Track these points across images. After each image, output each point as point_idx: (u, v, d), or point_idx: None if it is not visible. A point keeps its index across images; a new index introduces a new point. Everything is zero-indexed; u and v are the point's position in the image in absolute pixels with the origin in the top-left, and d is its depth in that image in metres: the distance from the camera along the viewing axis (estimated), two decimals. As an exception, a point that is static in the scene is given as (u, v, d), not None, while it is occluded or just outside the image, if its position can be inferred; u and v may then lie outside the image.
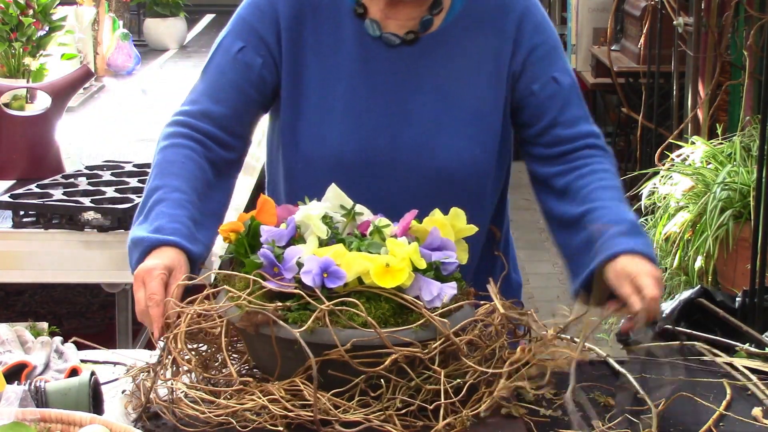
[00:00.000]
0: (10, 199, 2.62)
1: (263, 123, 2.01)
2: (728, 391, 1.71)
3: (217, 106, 1.89)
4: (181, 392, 1.57)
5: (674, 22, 5.05)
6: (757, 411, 1.64)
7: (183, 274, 1.68)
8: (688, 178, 4.41)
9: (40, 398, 1.50)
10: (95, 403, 1.54)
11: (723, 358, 1.85)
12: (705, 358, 1.87)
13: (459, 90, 1.88)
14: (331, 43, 1.89)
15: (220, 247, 2.59)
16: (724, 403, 1.67)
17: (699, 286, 1.98)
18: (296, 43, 1.89)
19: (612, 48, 6.12)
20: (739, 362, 1.83)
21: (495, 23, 1.89)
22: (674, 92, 5.31)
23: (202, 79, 1.93)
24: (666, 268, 4.45)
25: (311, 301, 1.52)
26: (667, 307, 1.94)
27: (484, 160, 1.91)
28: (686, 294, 1.96)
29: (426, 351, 1.53)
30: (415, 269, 1.57)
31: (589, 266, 1.75)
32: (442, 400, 1.51)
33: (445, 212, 1.70)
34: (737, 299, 2.02)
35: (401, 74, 1.88)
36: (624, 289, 1.67)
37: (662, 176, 4.55)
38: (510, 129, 1.96)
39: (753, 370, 1.79)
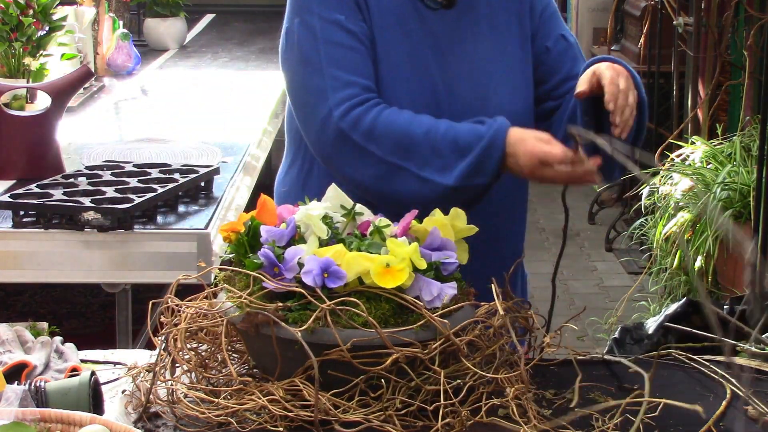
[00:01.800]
0: (10, 199, 2.62)
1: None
2: (728, 391, 1.71)
3: (368, 80, 1.87)
4: (181, 392, 1.57)
5: (674, 22, 5.05)
6: (753, 411, 1.64)
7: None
8: (688, 178, 4.41)
9: (40, 398, 1.50)
10: (95, 403, 1.54)
11: (721, 358, 1.85)
12: (703, 358, 1.87)
13: (498, 48, 1.98)
14: (390, 7, 1.91)
15: (220, 247, 2.60)
16: (725, 403, 1.67)
17: (685, 299, 1.98)
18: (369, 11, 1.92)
19: (612, 48, 6.12)
20: (739, 362, 1.83)
21: None
22: (674, 92, 5.31)
23: (328, 64, 1.86)
24: (666, 268, 4.45)
25: (313, 301, 1.52)
26: (652, 324, 1.94)
27: (528, 112, 2.00)
28: (672, 308, 1.96)
29: (426, 351, 1.53)
30: (415, 269, 1.57)
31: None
32: (442, 401, 1.51)
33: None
34: (725, 307, 2.02)
35: (446, 35, 1.93)
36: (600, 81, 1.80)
37: (662, 176, 4.55)
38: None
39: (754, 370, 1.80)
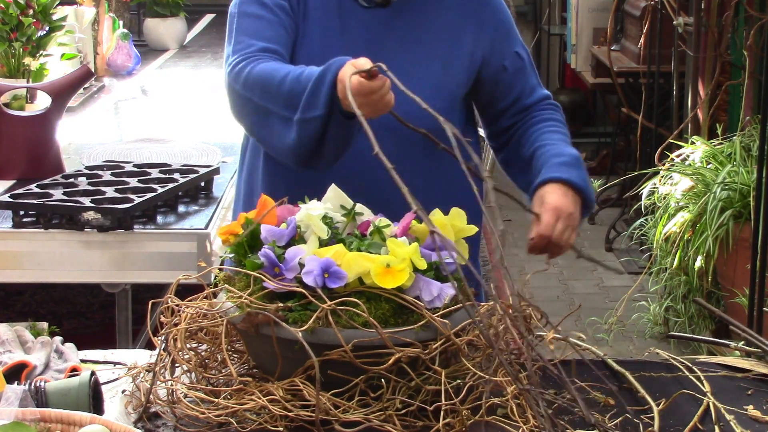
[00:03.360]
0: (10, 199, 2.62)
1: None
2: (707, 390, 1.71)
3: (269, 43, 1.95)
4: (181, 392, 1.57)
5: (674, 22, 5.04)
6: (755, 411, 1.64)
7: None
8: (688, 178, 4.41)
9: (40, 398, 1.50)
10: (95, 403, 1.54)
11: (717, 358, 1.85)
12: (701, 358, 1.87)
13: (424, 54, 2.01)
14: (316, 3, 2.00)
15: (219, 247, 2.60)
16: (704, 404, 1.67)
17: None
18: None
19: (612, 48, 6.11)
20: (732, 362, 1.83)
21: (460, 2, 2.04)
22: (674, 92, 5.30)
23: (237, 32, 1.97)
24: (666, 268, 4.45)
25: (313, 301, 1.52)
26: None
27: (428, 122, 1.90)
28: None
29: (426, 351, 1.53)
30: (416, 269, 1.57)
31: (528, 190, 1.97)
32: (443, 401, 1.51)
33: (422, 173, 1.82)
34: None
35: (372, 33, 2.00)
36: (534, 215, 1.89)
37: (662, 176, 4.55)
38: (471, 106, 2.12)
39: (745, 371, 1.80)
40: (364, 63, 1.72)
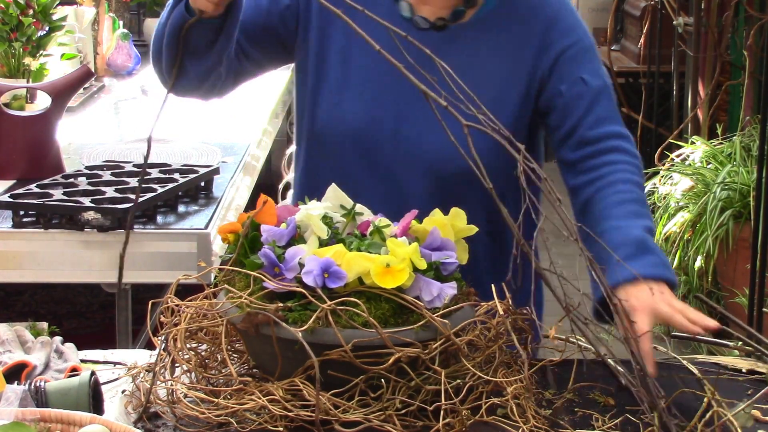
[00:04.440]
0: (10, 199, 2.61)
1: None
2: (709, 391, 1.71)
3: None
4: (181, 392, 1.57)
5: (674, 22, 5.05)
6: (755, 411, 1.64)
7: None
8: (688, 178, 4.41)
9: (40, 398, 1.50)
10: (95, 403, 1.54)
11: (715, 358, 1.85)
12: (700, 358, 1.87)
13: (475, 83, 1.83)
14: (363, 18, 1.86)
15: (220, 247, 2.60)
16: (705, 401, 1.67)
17: None
18: (329, 15, 1.89)
19: (612, 48, 6.12)
20: (732, 362, 1.83)
21: (524, 24, 1.93)
22: (674, 92, 5.31)
23: None
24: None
25: (313, 301, 1.52)
26: None
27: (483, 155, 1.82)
28: None
29: (426, 351, 1.53)
30: (415, 269, 1.57)
31: (597, 292, 1.76)
32: (443, 401, 1.51)
33: (443, 202, 1.72)
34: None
35: (423, 59, 1.83)
36: (620, 328, 1.64)
37: (662, 176, 4.55)
38: (525, 133, 1.96)
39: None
40: None
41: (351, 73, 1.94)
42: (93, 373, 1.56)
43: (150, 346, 1.78)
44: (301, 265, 1.56)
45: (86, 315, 4.26)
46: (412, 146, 1.90)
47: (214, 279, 1.70)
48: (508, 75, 1.92)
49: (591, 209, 1.87)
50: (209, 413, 1.52)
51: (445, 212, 1.69)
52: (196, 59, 1.88)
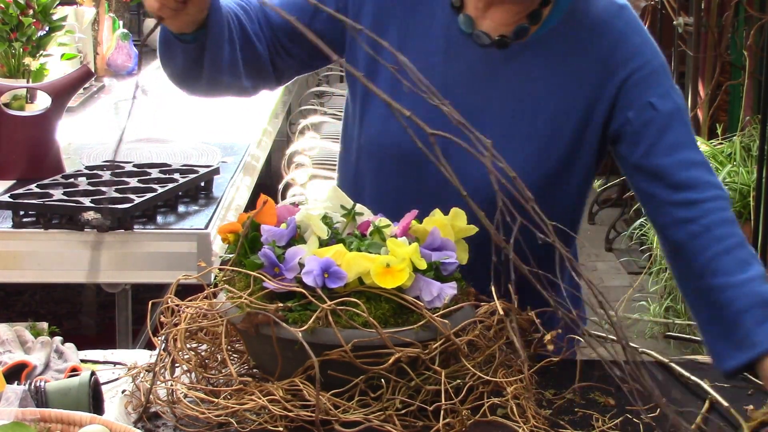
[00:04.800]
0: (10, 199, 2.61)
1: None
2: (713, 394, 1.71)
3: (272, 12, 1.84)
4: (181, 392, 1.57)
5: (674, 22, 5.05)
6: (755, 411, 1.64)
7: None
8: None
9: (40, 398, 1.50)
10: (95, 403, 1.54)
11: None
12: (700, 358, 1.87)
13: (532, 106, 1.80)
14: (420, 30, 1.84)
15: (220, 247, 2.60)
16: (707, 404, 1.67)
17: None
18: (383, 20, 1.85)
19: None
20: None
21: (587, 46, 1.81)
22: (674, 92, 5.30)
23: None
24: (666, 268, 4.45)
25: (313, 301, 1.52)
26: None
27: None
28: None
29: (426, 351, 1.53)
30: (415, 269, 1.57)
31: (733, 361, 1.66)
32: (443, 401, 1.52)
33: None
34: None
35: (481, 76, 1.81)
36: None
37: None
38: (587, 159, 1.84)
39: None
40: None
41: (402, 86, 1.86)
42: (93, 373, 1.56)
43: (150, 346, 1.78)
44: (301, 265, 1.56)
45: (86, 315, 4.25)
46: (460, 167, 1.64)
47: (214, 279, 1.70)
48: (567, 99, 1.80)
49: (690, 259, 1.72)
50: (209, 413, 1.51)
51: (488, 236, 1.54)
52: (195, 71, 1.82)
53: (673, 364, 1.81)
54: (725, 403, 1.63)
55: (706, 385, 1.71)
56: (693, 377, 1.76)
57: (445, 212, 1.68)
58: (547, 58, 1.81)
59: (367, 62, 1.85)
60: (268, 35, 1.88)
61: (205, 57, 1.77)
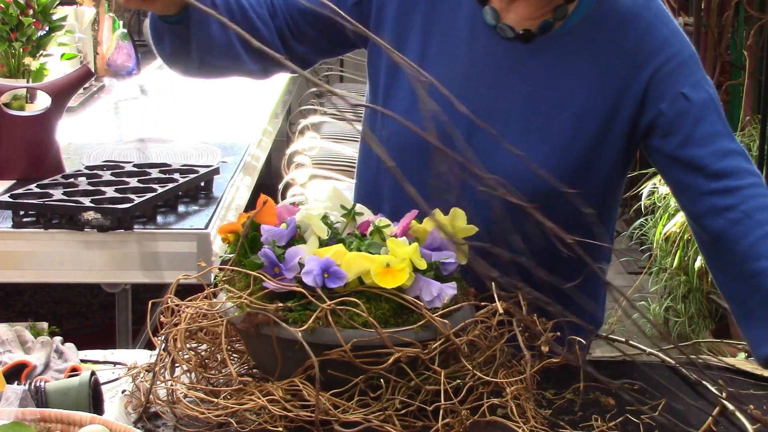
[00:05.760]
0: (10, 199, 2.62)
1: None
2: (724, 389, 1.71)
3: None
4: (181, 392, 1.57)
5: (674, 22, 5.05)
6: (755, 411, 1.64)
7: None
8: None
9: (40, 398, 1.50)
10: (95, 403, 1.54)
11: (725, 360, 1.85)
12: (706, 358, 1.87)
13: (557, 100, 1.78)
14: (444, 21, 1.83)
15: (220, 247, 2.60)
16: (717, 408, 1.67)
17: None
18: (410, 8, 1.85)
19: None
20: (733, 362, 1.83)
21: (615, 37, 1.78)
22: (674, 92, 5.30)
23: None
24: (666, 268, 4.45)
25: (313, 301, 1.52)
26: None
27: (543, 182, 1.63)
28: None
29: (426, 351, 1.53)
30: (415, 269, 1.57)
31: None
32: (442, 401, 1.51)
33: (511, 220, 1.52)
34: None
35: (505, 69, 1.79)
36: None
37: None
38: (613, 156, 1.82)
39: (746, 373, 1.80)
40: None
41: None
42: (93, 373, 1.56)
43: (150, 346, 1.78)
44: (301, 265, 1.56)
45: (86, 315, 4.26)
46: (482, 161, 1.61)
47: (214, 279, 1.70)
48: (593, 93, 1.78)
49: (730, 247, 1.71)
50: (209, 413, 1.52)
51: (506, 235, 1.54)
52: (191, 55, 1.82)
53: (680, 366, 1.81)
54: (731, 407, 1.63)
55: (713, 388, 1.71)
56: (700, 378, 1.75)
57: (464, 208, 1.66)
58: (572, 52, 1.79)
59: (388, 62, 1.85)
60: (281, 20, 1.87)
61: (191, 38, 1.77)
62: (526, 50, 1.80)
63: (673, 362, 1.81)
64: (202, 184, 2.90)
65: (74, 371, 1.69)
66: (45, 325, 1.91)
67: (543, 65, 1.79)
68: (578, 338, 1.61)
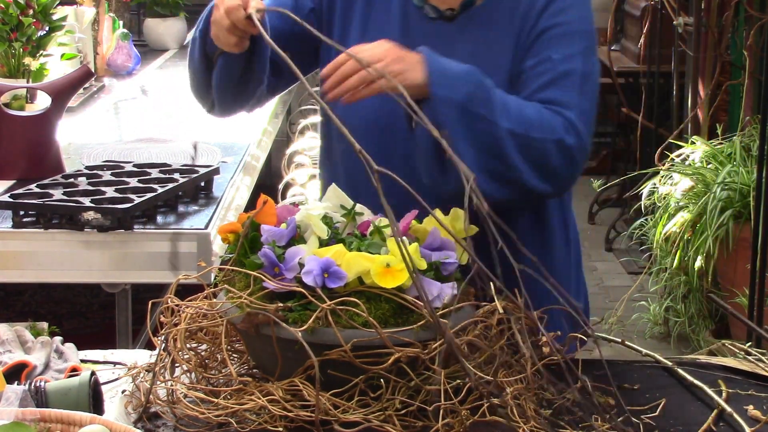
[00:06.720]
0: (10, 199, 2.61)
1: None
2: (724, 390, 1.71)
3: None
4: (181, 392, 1.57)
5: (674, 22, 5.04)
6: (755, 411, 1.64)
7: None
8: (688, 178, 4.41)
9: (40, 398, 1.50)
10: (95, 403, 1.54)
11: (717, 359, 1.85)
12: (700, 359, 1.87)
13: (487, 71, 1.85)
14: (379, 7, 1.97)
15: (220, 247, 2.60)
16: (715, 411, 1.67)
17: None
18: (351, 4, 1.98)
19: (612, 48, 6.12)
20: (732, 363, 1.83)
21: (525, 6, 1.90)
22: (674, 92, 5.31)
23: None
24: (666, 268, 4.45)
25: (313, 301, 1.52)
26: None
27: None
28: None
29: (426, 351, 1.53)
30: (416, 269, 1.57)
31: None
32: (442, 401, 1.51)
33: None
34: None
35: (436, 48, 1.86)
36: None
37: (662, 176, 4.55)
38: None
39: (746, 373, 1.80)
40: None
41: None
42: (93, 373, 1.56)
43: (150, 346, 1.78)
44: (301, 265, 1.56)
45: (86, 315, 4.25)
46: (427, 134, 1.76)
47: (214, 279, 1.70)
48: (513, 56, 1.89)
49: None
50: (209, 413, 1.52)
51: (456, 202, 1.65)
52: (238, 88, 1.93)
53: (677, 368, 1.81)
54: (728, 408, 1.63)
55: (709, 390, 1.71)
56: (696, 381, 1.75)
57: (411, 183, 1.69)
58: (493, 24, 1.92)
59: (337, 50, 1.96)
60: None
61: (250, 70, 1.90)
62: (453, 28, 1.93)
63: (669, 363, 1.81)
64: (202, 184, 2.90)
65: (74, 371, 1.69)
66: (45, 325, 1.91)
67: (470, 41, 1.91)
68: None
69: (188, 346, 1.64)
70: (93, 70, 3.52)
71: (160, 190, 2.70)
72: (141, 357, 1.78)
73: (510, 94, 1.83)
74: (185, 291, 1.70)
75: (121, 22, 4.85)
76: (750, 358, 1.86)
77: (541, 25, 1.88)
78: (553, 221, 2.00)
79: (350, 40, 1.95)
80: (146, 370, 1.64)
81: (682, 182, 4.44)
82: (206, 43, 1.89)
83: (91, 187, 2.73)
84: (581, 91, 1.85)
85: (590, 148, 1.87)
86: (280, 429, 1.49)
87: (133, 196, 2.64)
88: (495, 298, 1.62)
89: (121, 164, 2.97)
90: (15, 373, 1.67)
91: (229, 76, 1.90)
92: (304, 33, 1.82)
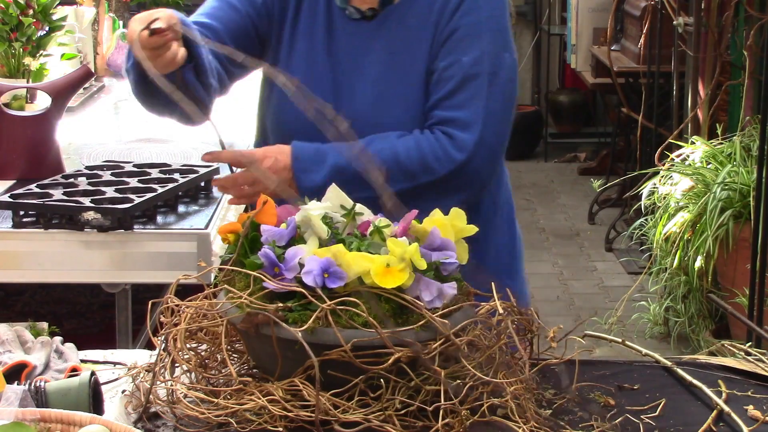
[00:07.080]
0: (10, 199, 2.61)
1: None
2: (724, 391, 1.71)
3: (206, 18, 2.04)
4: (181, 392, 1.57)
5: (674, 22, 5.04)
6: (754, 411, 1.64)
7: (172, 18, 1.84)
8: (688, 178, 4.41)
9: (40, 398, 1.50)
10: (95, 403, 1.54)
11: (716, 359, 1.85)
12: (700, 359, 1.87)
13: (405, 68, 2.00)
14: (307, 8, 2.06)
15: (220, 247, 2.60)
16: (715, 412, 1.67)
17: None
18: (285, 6, 2.08)
19: (612, 48, 6.12)
20: (733, 363, 1.83)
21: (440, 3, 1.99)
22: (674, 92, 5.30)
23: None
24: (666, 268, 4.45)
25: (313, 301, 1.52)
26: None
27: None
28: None
29: (426, 351, 1.53)
30: (415, 269, 1.57)
31: None
32: (442, 401, 1.51)
33: None
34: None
35: (357, 46, 2.02)
36: None
37: (662, 176, 4.55)
38: None
39: (746, 373, 1.80)
40: (147, 18, 1.83)
41: (293, 66, 2.05)
42: (93, 373, 1.56)
43: (150, 346, 1.78)
44: (301, 265, 1.56)
45: (86, 315, 4.25)
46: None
47: (214, 279, 1.70)
48: (432, 53, 1.99)
49: None
50: (209, 413, 1.52)
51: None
52: (192, 98, 2.05)
53: (676, 368, 1.81)
54: (726, 408, 1.63)
55: (708, 390, 1.71)
56: (695, 381, 1.75)
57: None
58: (409, 20, 2.01)
59: (287, 53, 2.09)
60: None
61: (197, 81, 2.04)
62: (373, 26, 2.03)
63: (669, 363, 1.81)
64: (202, 184, 2.90)
65: (74, 371, 1.69)
66: (45, 325, 1.91)
67: (388, 38, 2.02)
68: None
69: (188, 346, 1.64)
70: (93, 70, 3.52)
71: (160, 190, 2.71)
72: (141, 357, 1.78)
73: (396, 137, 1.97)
74: (185, 291, 1.70)
75: (121, 22, 4.85)
76: (750, 358, 1.86)
77: (453, 23, 1.97)
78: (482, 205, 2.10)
79: (283, 38, 2.07)
80: (146, 370, 1.64)
81: (682, 182, 4.43)
82: (144, 75, 1.91)
83: (91, 187, 2.73)
84: (488, 93, 1.96)
85: (505, 139, 2.00)
86: (280, 429, 1.49)
87: (133, 196, 2.64)
88: (495, 297, 1.62)
89: (121, 164, 2.97)
90: (15, 373, 1.67)
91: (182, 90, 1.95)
92: (247, 28, 2.04)
